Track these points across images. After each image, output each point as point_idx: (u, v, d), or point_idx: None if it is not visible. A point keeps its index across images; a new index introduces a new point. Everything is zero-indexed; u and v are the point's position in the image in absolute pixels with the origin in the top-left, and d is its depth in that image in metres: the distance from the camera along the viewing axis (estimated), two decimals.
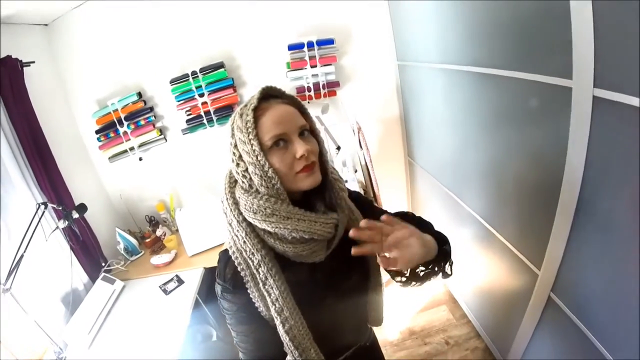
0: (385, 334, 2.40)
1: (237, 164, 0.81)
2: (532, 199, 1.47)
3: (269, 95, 0.83)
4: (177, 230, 2.74)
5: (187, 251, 2.42)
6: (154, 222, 2.77)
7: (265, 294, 0.81)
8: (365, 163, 2.38)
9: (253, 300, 0.83)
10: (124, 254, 2.52)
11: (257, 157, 0.77)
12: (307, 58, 2.40)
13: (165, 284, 2.23)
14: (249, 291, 0.82)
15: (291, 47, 2.41)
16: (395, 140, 2.85)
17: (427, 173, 2.52)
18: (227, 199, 0.85)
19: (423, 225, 0.91)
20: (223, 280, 0.85)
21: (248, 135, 0.77)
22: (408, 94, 2.56)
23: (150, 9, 2.36)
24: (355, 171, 2.57)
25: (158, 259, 2.40)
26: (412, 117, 2.59)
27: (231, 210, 0.83)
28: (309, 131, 0.85)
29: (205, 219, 2.47)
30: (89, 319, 2.00)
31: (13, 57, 2.00)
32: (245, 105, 0.81)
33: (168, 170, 2.79)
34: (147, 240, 2.63)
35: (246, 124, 0.77)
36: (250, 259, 0.81)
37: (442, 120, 2.13)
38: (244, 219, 0.82)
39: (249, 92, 2.59)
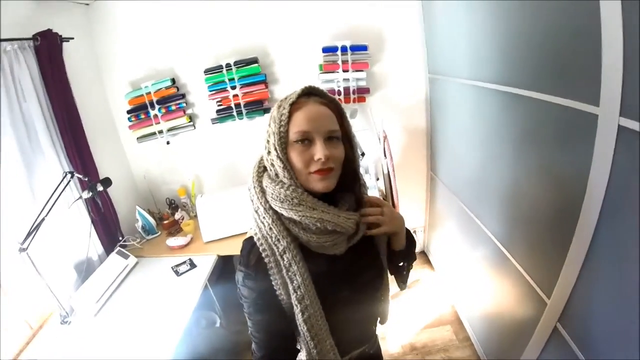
0: (387, 345, 2.38)
1: (268, 152, 0.85)
2: (549, 225, 1.43)
3: (310, 93, 0.86)
4: (195, 216, 2.81)
5: (203, 237, 2.47)
6: (173, 205, 2.84)
7: (288, 280, 0.83)
8: (388, 172, 2.38)
9: (275, 287, 0.84)
10: (140, 232, 2.60)
11: (281, 149, 0.81)
12: (340, 62, 2.42)
13: (177, 265, 2.28)
14: (271, 278, 0.84)
15: (325, 50, 2.44)
16: (419, 152, 2.84)
17: (448, 189, 2.50)
18: (254, 186, 0.89)
19: None
20: (246, 266, 0.86)
21: (279, 127, 0.81)
22: (436, 107, 2.55)
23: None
24: (377, 179, 2.57)
25: (174, 241, 2.45)
26: (438, 131, 2.58)
27: (258, 197, 0.87)
28: (340, 138, 0.86)
29: (224, 208, 2.52)
30: (98, 288, 2.06)
31: (53, 31, 2.08)
32: (285, 99, 0.84)
33: (193, 157, 2.86)
34: (165, 222, 2.69)
35: (281, 116, 0.81)
36: (276, 245, 0.83)
37: (467, 137, 2.12)
38: (270, 207, 0.85)
39: (280, 89, 2.65)
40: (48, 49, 2.04)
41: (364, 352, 1.09)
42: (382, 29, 2.49)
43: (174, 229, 2.67)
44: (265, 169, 0.91)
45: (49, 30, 2.04)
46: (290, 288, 0.83)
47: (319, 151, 0.80)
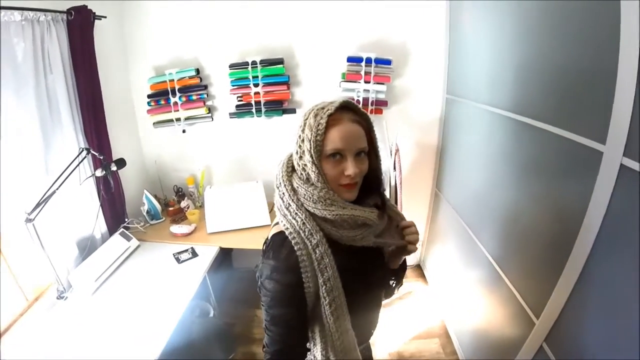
0: (376, 351, 2.39)
1: (300, 157, 0.91)
2: (545, 250, 1.51)
3: (346, 107, 0.92)
4: (200, 206, 2.83)
5: (208, 228, 2.49)
6: (180, 193, 2.85)
7: (319, 273, 0.87)
8: (395, 185, 2.44)
9: (304, 281, 0.88)
10: (145, 216, 2.61)
11: (317, 157, 0.88)
12: (362, 73, 2.47)
13: (179, 253, 2.30)
14: (302, 270, 0.87)
15: (350, 59, 2.49)
16: (427, 168, 2.90)
17: (451, 207, 2.56)
18: (284, 185, 0.93)
19: None
20: (277, 259, 0.89)
21: (315, 137, 0.87)
22: (449, 126, 2.63)
23: None
24: (384, 190, 2.63)
25: (178, 229, 2.47)
26: (448, 150, 2.66)
27: (290, 195, 0.91)
28: (366, 152, 0.94)
29: (231, 202, 2.56)
30: (98, 267, 2.06)
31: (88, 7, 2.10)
32: (323, 109, 0.89)
33: (206, 148, 2.89)
34: (170, 209, 2.70)
35: (318, 125, 0.87)
36: (309, 239, 0.88)
37: (475, 159, 2.19)
38: (302, 205, 0.90)
39: (301, 92, 2.71)
40: (80, 25, 2.06)
41: (362, 352, 1.13)
42: (407, 46, 2.55)
43: (178, 216, 2.68)
44: (293, 169, 0.96)
45: (84, 7, 2.06)
46: (321, 280, 0.87)
47: (350, 168, 0.88)
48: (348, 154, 0.88)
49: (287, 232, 0.90)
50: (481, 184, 2.11)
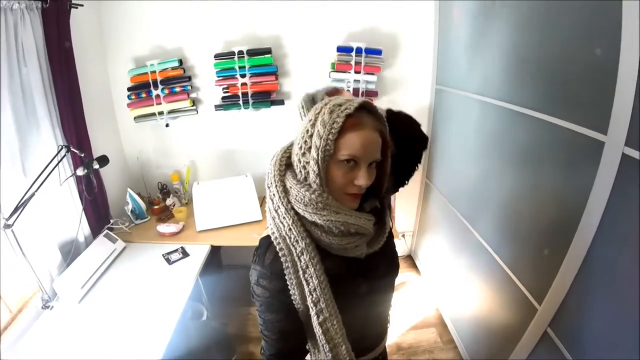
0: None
1: (304, 154, 0.83)
2: (546, 237, 1.54)
3: (364, 108, 0.83)
4: (187, 203, 2.72)
5: (197, 226, 2.39)
6: (165, 191, 2.73)
7: (304, 282, 0.82)
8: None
9: (290, 288, 0.83)
10: (130, 216, 2.47)
11: (323, 157, 0.79)
12: (353, 63, 2.43)
13: (169, 253, 2.20)
14: (287, 278, 0.83)
15: (340, 49, 2.44)
16: None
17: (442, 196, 2.58)
18: (276, 185, 0.86)
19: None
20: (262, 265, 0.85)
21: (328, 135, 0.78)
22: (439, 117, 2.64)
23: None
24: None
25: (165, 228, 2.35)
26: (439, 140, 2.67)
27: (280, 197, 0.84)
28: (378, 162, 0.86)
29: (221, 198, 2.48)
30: (84, 273, 1.93)
31: None
32: (340, 105, 0.81)
33: (191, 142, 2.77)
34: (156, 207, 2.58)
35: (333, 123, 0.78)
36: (294, 245, 0.82)
37: (468, 149, 2.21)
38: (292, 208, 0.84)
39: (290, 83, 2.64)
40: (56, 13, 1.91)
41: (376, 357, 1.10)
42: (398, 36, 2.54)
43: (165, 215, 2.56)
44: (287, 165, 0.89)
45: None
46: (306, 290, 0.82)
47: (362, 179, 0.81)
48: (362, 163, 0.81)
49: (272, 237, 0.85)
50: (475, 174, 2.13)
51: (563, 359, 1.37)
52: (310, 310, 0.83)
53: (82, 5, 2.08)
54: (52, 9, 1.87)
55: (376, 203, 0.97)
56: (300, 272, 0.82)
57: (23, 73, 1.80)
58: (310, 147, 0.81)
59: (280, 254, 0.83)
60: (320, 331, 0.83)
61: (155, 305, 1.81)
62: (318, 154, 0.79)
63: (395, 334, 2.50)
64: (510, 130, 1.76)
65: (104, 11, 2.43)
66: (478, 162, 2.10)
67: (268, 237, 0.87)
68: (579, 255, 1.29)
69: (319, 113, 0.82)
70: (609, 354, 1.21)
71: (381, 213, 0.97)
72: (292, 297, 0.84)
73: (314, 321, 0.83)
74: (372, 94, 2.58)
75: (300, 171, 0.84)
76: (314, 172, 0.81)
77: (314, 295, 0.81)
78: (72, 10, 2.04)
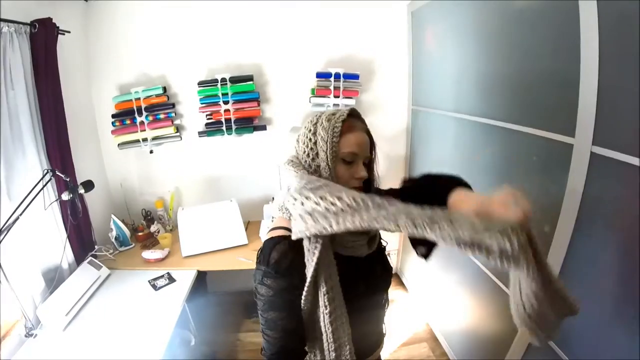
0: None
1: (313, 159, 0.96)
2: None
3: (353, 114, 0.99)
4: (171, 230, 2.70)
5: (183, 251, 2.37)
6: (149, 217, 2.70)
7: (322, 280, 0.85)
8: None
9: (303, 286, 0.86)
10: (114, 243, 2.44)
11: (332, 158, 0.93)
12: (332, 88, 2.54)
13: (155, 279, 2.17)
14: (294, 276, 0.86)
15: (319, 75, 2.55)
16: (397, 178, 2.94)
17: None
18: (296, 196, 0.90)
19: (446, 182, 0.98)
20: (267, 264, 0.89)
21: (332, 138, 0.92)
22: (417, 136, 2.75)
23: (190, 10, 2.47)
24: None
25: (150, 254, 2.32)
26: (418, 159, 2.77)
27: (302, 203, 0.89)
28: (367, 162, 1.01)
29: (205, 223, 2.48)
30: (68, 300, 1.88)
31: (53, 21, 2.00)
32: (334, 114, 0.96)
33: (175, 169, 2.79)
34: (140, 234, 2.55)
35: (333, 128, 0.93)
36: (315, 245, 0.85)
37: (446, 165, 2.30)
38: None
39: (272, 109, 2.74)
40: (45, 39, 1.95)
41: None
42: (374, 61, 2.68)
43: (149, 241, 2.54)
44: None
45: (49, 19, 1.97)
46: (324, 288, 0.85)
47: (361, 172, 0.95)
48: (359, 159, 0.96)
49: (300, 235, 0.86)
50: None
51: (555, 356, 1.40)
52: (323, 308, 0.85)
53: (69, 32, 2.14)
54: (40, 34, 1.92)
55: None
56: (315, 271, 0.84)
57: (10, 96, 1.81)
58: (317, 153, 0.95)
59: (289, 255, 0.87)
60: (330, 330, 0.85)
61: (142, 333, 1.78)
62: (327, 156, 0.93)
63: (388, 351, 2.48)
64: (485, 143, 1.86)
65: (90, 38, 2.49)
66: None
67: (272, 238, 0.92)
68: (560, 253, 1.35)
69: (316, 124, 0.97)
70: (601, 347, 1.24)
71: None
72: (303, 295, 0.86)
73: (325, 319, 0.85)
74: None
75: (312, 174, 0.96)
76: (326, 172, 0.94)
77: (330, 294, 0.85)
78: (60, 36, 2.08)
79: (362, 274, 0.98)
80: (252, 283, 0.92)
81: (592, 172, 1.20)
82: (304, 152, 0.97)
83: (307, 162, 0.97)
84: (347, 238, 0.92)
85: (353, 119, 0.97)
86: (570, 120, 1.25)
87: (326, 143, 0.92)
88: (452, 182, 0.94)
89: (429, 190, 0.94)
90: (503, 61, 1.67)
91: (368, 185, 1.03)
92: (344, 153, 0.93)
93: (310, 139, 0.96)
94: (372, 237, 1.00)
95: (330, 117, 0.95)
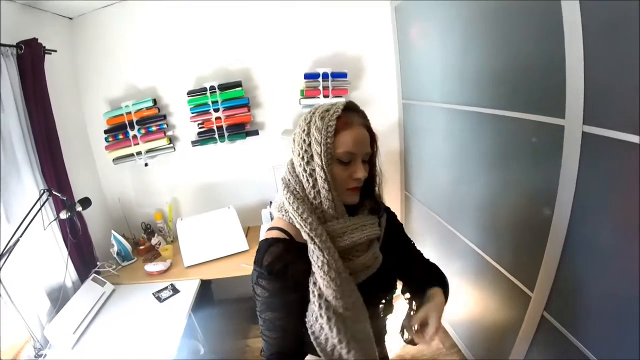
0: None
1: (307, 162, 0.90)
2: (526, 227, 1.61)
3: (349, 108, 0.92)
4: (172, 241, 2.71)
5: (184, 262, 2.38)
6: (149, 230, 2.71)
7: (329, 290, 0.85)
8: None
9: (293, 288, 0.87)
10: (116, 258, 2.44)
11: (327, 161, 0.87)
12: (320, 88, 2.55)
13: (159, 291, 2.17)
14: (289, 279, 0.87)
15: (307, 76, 2.56)
16: (394, 173, 3.00)
17: (423, 206, 2.66)
18: (299, 215, 0.90)
19: (433, 274, 1.11)
20: (260, 266, 0.88)
21: (326, 139, 0.86)
22: (409, 130, 2.76)
23: (175, 20, 2.48)
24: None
25: (153, 267, 2.33)
26: (412, 152, 2.78)
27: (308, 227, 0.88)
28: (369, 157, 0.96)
29: (205, 232, 2.49)
30: (75, 318, 1.89)
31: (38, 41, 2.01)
32: (328, 111, 0.89)
33: (171, 180, 2.80)
34: (141, 248, 2.56)
35: (327, 127, 0.86)
36: (324, 253, 0.86)
37: (441, 156, 2.31)
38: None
39: (263, 113, 2.74)
40: (31, 59, 1.96)
41: None
42: (361, 58, 2.68)
43: (151, 254, 2.54)
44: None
45: (34, 40, 1.97)
46: (330, 296, 0.85)
47: (360, 172, 0.89)
48: (357, 158, 0.89)
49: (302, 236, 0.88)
50: (451, 179, 2.23)
51: (564, 338, 1.41)
52: (320, 317, 0.85)
53: (55, 51, 2.14)
54: (27, 55, 1.93)
55: (372, 203, 1.03)
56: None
57: (1, 118, 1.82)
58: (312, 155, 0.89)
59: (286, 260, 0.87)
60: (335, 327, 0.85)
61: (150, 345, 1.78)
62: (322, 159, 0.86)
63: (396, 347, 2.48)
64: (477, 132, 1.87)
65: (77, 55, 2.50)
66: (452, 167, 2.20)
67: (267, 239, 0.91)
68: (560, 236, 1.36)
69: (309, 122, 0.90)
70: (608, 325, 1.25)
71: (378, 212, 1.03)
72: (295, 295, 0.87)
73: (331, 323, 0.85)
74: None
75: (307, 179, 0.91)
76: (322, 177, 0.87)
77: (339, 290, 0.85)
78: (47, 55, 2.09)
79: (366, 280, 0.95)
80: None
81: (585, 152, 1.20)
82: (299, 154, 0.91)
83: (302, 165, 0.90)
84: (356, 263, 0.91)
85: (349, 114, 0.91)
86: (559, 102, 1.25)
87: (320, 145, 0.86)
88: (436, 279, 1.06)
89: (418, 278, 1.07)
90: (488, 48, 1.68)
91: (368, 184, 0.99)
92: (339, 153, 0.87)
93: (304, 140, 0.90)
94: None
95: (323, 115, 0.88)
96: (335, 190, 0.90)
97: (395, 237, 1.10)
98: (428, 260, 1.16)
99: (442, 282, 1.06)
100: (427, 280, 1.04)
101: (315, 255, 0.85)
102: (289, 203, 0.91)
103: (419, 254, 1.16)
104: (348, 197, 0.92)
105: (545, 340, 1.57)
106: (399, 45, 2.64)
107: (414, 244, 1.17)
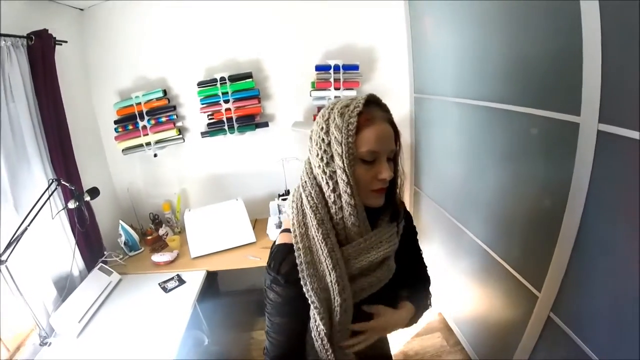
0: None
1: (327, 163, 0.82)
2: (535, 226, 1.58)
3: (371, 101, 0.84)
4: (180, 232, 2.72)
5: (191, 253, 2.39)
6: (157, 221, 2.73)
7: (337, 292, 0.83)
8: None
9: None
10: (123, 248, 2.46)
11: (349, 162, 0.79)
12: (332, 80, 2.51)
13: (165, 282, 2.18)
14: (303, 288, 0.84)
15: (318, 68, 2.52)
16: (405, 168, 2.93)
17: (433, 202, 2.62)
18: (314, 223, 0.86)
19: (418, 290, 1.12)
20: (276, 272, 0.86)
21: (347, 138, 0.78)
22: (420, 124, 2.71)
23: (185, 10, 2.47)
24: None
25: (160, 257, 2.34)
26: (422, 147, 2.73)
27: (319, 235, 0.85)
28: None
29: (213, 223, 2.49)
30: (81, 307, 1.91)
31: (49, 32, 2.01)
32: (347, 106, 0.81)
33: (180, 171, 2.80)
34: (149, 238, 2.57)
35: (348, 125, 0.78)
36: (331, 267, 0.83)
37: (451, 151, 2.27)
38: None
39: (273, 105, 2.71)
40: (42, 50, 1.96)
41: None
42: (373, 50, 2.64)
43: (158, 244, 2.56)
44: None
45: (45, 31, 1.97)
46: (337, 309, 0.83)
47: (385, 172, 0.81)
48: (382, 156, 0.82)
49: (303, 258, 0.84)
50: (462, 175, 2.18)
51: (569, 340, 1.38)
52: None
53: (66, 42, 2.15)
54: (37, 46, 1.93)
55: (391, 209, 0.95)
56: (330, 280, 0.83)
57: (11, 108, 1.83)
58: (332, 156, 0.81)
59: (302, 267, 0.83)
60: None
61: (154, 335, 1.79)
62: (343, 161, 0.79)
63: (400, 343, 2.47)
64: (489, 127, 1.82)
65: (87, 46, 2.50)
66: (462, 162, 2.15)
67: (285, 244, 0.88)
68: (570, 236, 1.32)
69: (328, 119, 0.83)
70: (614, 328, 1.22)
71: (398, 218, 0.97)
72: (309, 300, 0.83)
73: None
74: None
75: (327, 182, 0.83)
76: (344, 181, 0.80)
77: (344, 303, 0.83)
78: (57, 46, 2.09)
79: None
80: (263, 281, 0.90)
81: (599, 150, 1.16)
82: (317, 154, 0.83)
83: (321, 167, 0.83)
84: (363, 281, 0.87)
85: (372, 108, 0.82)
86: (575, 99, 1.21)
87: (341, 145, 0.78)
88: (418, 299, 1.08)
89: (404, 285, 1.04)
90: (503, 42, 1.62)
91: (390, 185, 0.89)
92: (362, 152, 0.79)
93: (323, 140, 0.82)
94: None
95: (343, 111, 0.80)
96: (359, 195, 0.82)
97: (408, 245, 1.04)
98: (426, 276, 1.19)
99: (419, 304, 1.07)
100: (409, 294, 1.06)
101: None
102: (308, 213, 0.86)
103: (422, 268, 1.19)
104: (372, 199, 0.85)
105: (551, 342, 1.54)
106: (412, 38, 2.58)
107: (421, 254, 1.16)
